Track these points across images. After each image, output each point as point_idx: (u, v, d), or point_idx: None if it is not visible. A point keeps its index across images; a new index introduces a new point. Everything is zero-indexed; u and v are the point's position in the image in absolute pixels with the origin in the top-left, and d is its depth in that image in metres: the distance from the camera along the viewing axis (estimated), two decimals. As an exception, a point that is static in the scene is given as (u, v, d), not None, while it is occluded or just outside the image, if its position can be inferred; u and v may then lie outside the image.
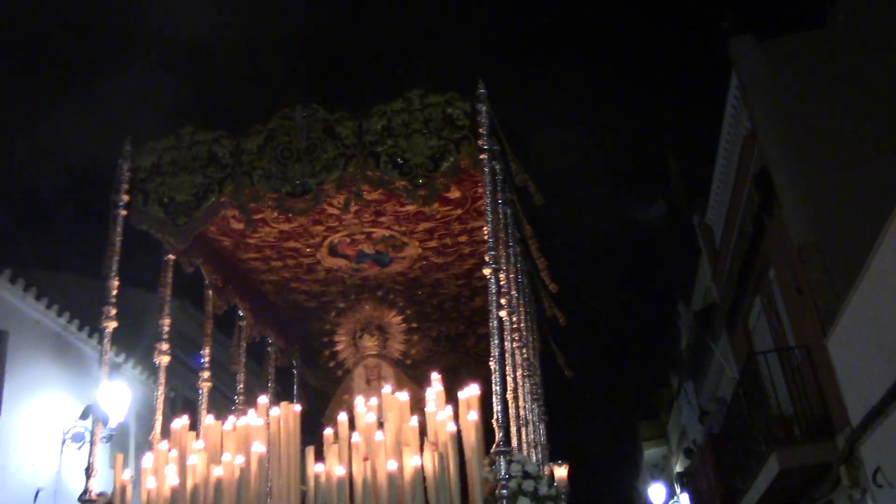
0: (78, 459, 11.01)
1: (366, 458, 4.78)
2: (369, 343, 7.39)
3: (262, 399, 5.73)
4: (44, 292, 11.70)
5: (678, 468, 23.11)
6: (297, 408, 5.73)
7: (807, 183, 10.69)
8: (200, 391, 6.52)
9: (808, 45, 11.60)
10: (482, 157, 5.59)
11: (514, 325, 6.32)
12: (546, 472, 7.13)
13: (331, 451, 4.93)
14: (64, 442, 11.26)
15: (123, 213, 5.85)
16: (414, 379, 7.17)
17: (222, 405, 8.02)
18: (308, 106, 5.93)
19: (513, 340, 6.01)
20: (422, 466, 4.74)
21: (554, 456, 7.82)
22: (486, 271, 5.35)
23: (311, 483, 4.78)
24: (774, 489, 11.39)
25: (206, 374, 6.62)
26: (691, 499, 19.99)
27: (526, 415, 6.28)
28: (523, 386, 6.30)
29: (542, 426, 7.48)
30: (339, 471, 4.74)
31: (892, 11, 10.47)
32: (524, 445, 5.90)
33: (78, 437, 10.83)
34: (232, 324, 7.55)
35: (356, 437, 4.92)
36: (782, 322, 12.60)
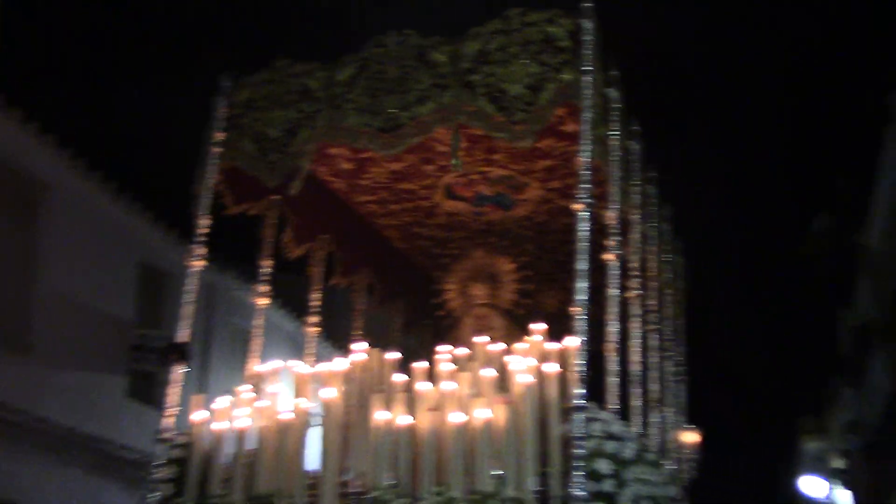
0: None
1: (432, 409, 4.38)
2: (478, 292, 6.94)
3: (357, 345, 5.50)
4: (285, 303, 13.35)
5: (837, 465, 22.27)
6: (395, 355, 5.45)
7: None
8: (305, 334, 6.39)
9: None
10: (584, 79, 4.95)
11: (635, 273, 5.67)
12: (674, 437, 6.45)
13: (398, 400, 4.58)
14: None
15: (218, 150, 5.71)
16: (527, 331, 6.66)
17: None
18: (401, 31, 5.53)
19: (624, 288, 5.37)
20: (494, 420, 4.28)
21: (698, 422, 7.05)
22: (576, 206, 4.75)
23: (374, 432, 4.45)
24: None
25: (312, 320, 6.48)
26: (853, 497, 20.03)
27: (646, 372, 5.63)
28: (641, 340, 5.65)
29: (679, 387, 6.76)
30: (403, 420, 4.37)
31: None
32: (631, 404, 5.27)
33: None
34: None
35: (424, 385, 4.54)
36: None
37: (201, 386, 11.76)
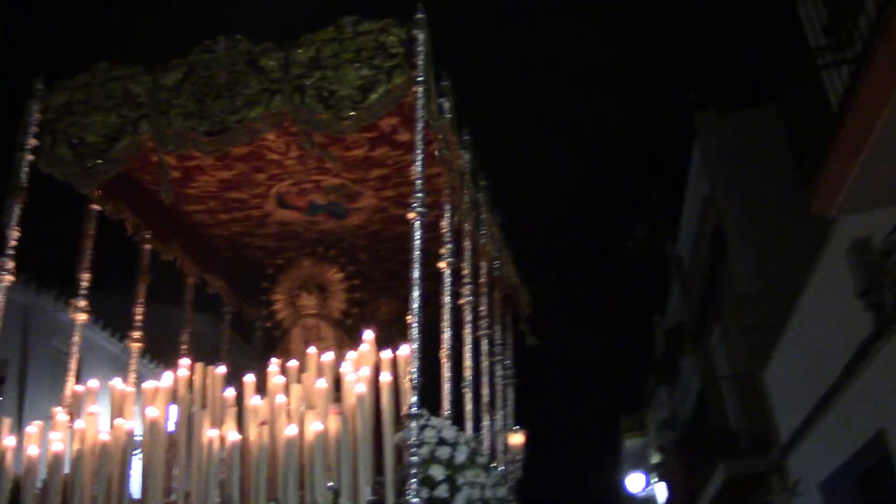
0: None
1: (263, 423, 4.28)
2: (307, 302, 6.86)
3: (184, 360, 5.29)
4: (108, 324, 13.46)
5: (655, 460, 23.76)
6: (222, 369, 5.28)
7: (753, 240, 12.52)
8: (129, 351, 6.09)
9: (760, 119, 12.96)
10: (416, 88, 5.00)
11: (466, 280, 5.77)
12: (503, 439, 6.61)
13: (227, 415, 4.45)
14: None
15: (30, 156, 5.36)
16: (357, 341, 6.62)
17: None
18: (231, 37, 5.40)
19: (458, 295, 5.45)
20: (327, 431, 4.23)
21: (528, 425, 7.24)
22: (410, 215, 4.79)
23: (204, 449, 4.30)
24: (723, 491, 13.32)
25: (136, 335, 6.18)
26: (668, 489, 21.48)
27: (478, 377, 5.73)
28: (473, 346, 5.75)
29: (509, 391, 6.93)
30: (233, 436, 4.24)
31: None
32: (466, 410, 5.35)
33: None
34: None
35: (256, 399, 4.42)
36: (735, 350, 14.36)
37: (19, 412, 11.18)
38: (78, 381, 5.39)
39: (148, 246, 6.50)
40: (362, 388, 4.33)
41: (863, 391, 8.01)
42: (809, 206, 6.46)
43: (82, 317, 5.59)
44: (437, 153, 5.35)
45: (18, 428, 10.61)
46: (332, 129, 5.07)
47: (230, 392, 4.72)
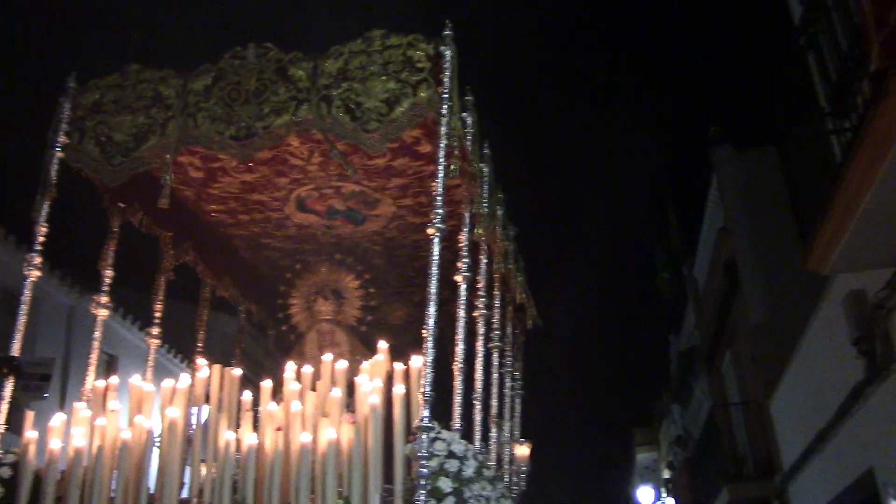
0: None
1: (279, 428, 4.37)
2: (323, 307, 6.95)
3: (201, 361, 5.38)
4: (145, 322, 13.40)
5: (666, 475, 23.85)
6: (238, 371, 5.37)
7: (765, 273, 12.62)
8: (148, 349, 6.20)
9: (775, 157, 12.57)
10: (443, 106, 5.07)
11: (480, 292, 5.85)
12: (510, 451, 6.70)
13: (244, 419, 4.54)
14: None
15: (60, 154, 5.47)
16: (370, 347, 6.72)
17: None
18: (261, 45, 5.49)
19: (472, 308, 5.53)
20: (340, 440, 4.32)
21: (540, 435, 7.34)
22: (430, 230, 4.88)
23: (221, 451, 4.39)
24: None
25: (154, 331, 6.29)
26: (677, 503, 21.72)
27: (488, 388, 5.83)
28: (485, 357, 5.84)
29: (517, 401, 7.01)
30: (250, 439, 4.34)
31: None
32: (476, 420, 5.44)
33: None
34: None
35: (272, 405, 4.52)
36: (744, 377, 14.65)
37: (61, 409, 11.62)
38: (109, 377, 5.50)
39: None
40: (376, 399, 4.42)
41: (855, 430, 8.25)
42: (805, 264, 6.60)
43: (104, 312, 5.69)
44: (450, 167, 5.38)
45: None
46: (361, 144, 5.12)
47: (247, 395, 4.82)
